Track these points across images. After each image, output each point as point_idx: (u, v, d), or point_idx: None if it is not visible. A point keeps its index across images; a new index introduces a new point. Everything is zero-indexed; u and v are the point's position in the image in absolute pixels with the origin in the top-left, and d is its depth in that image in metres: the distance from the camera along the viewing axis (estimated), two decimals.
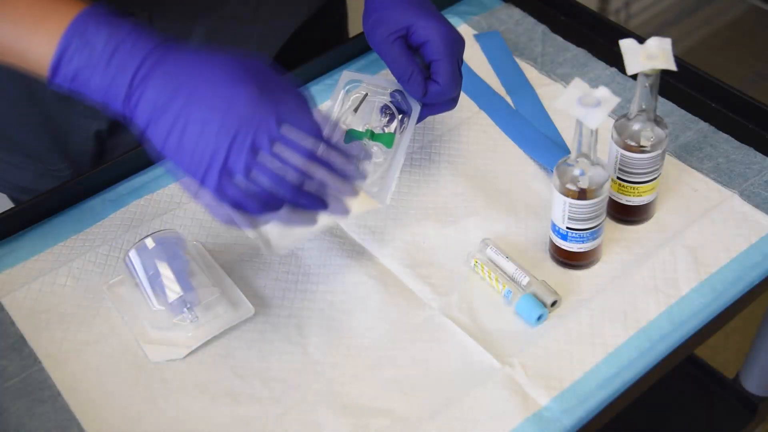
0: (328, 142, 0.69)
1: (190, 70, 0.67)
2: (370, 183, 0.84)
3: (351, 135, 0.85)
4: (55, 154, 0.97)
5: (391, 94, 0.87)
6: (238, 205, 0.68)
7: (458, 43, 0.83)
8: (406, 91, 0.84)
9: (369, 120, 0.86)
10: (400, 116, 0.86)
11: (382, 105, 0.87)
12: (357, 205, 0.77)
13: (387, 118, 0.86)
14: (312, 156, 0.67)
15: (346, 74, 0.87)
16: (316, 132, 0.68)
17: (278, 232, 0.77)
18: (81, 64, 0.66)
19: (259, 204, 0.68)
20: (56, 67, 0.67)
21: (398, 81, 0.84)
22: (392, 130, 0.85)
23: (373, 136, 0.85)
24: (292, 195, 0.68)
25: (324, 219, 0.74)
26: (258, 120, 0.66)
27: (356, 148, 0.71)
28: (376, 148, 0.83)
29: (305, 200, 0.69)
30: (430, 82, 0.82)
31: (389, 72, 0.84)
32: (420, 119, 0.85)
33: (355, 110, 0.87)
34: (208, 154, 0.66)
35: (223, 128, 0.65)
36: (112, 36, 0.66)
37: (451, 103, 0.85)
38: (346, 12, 1.15)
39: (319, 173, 0.68)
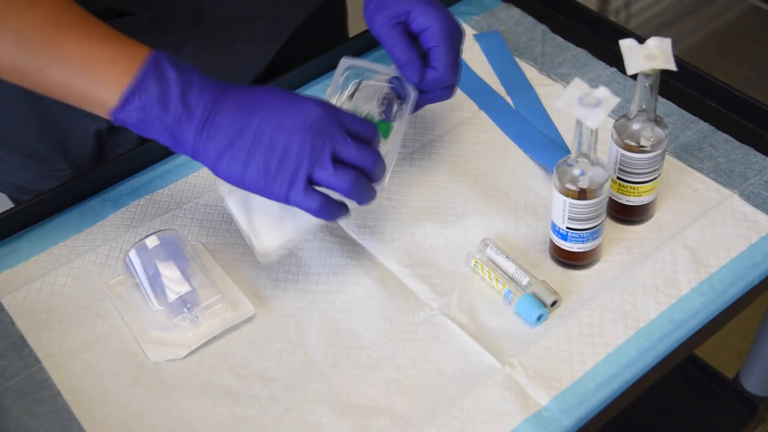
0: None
1: (255, 100, 0.72)
2: None
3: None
4: (56, 153, 0.97)
5: (390, 80, 0.86)
6: (320, 209, 0.73)
7: (457, 31, 0.84)
8: (403, 76, 0.84)
9: (366, 107, 0.86)
10: (399, 102, 0.86)
11: (383, 92, 0.87)
12: None
13: (385, 106, 0.86)
14: (378, 154, 0.75)
15: (344, 60, 0.87)
16: (374, 133, 0.76)
17: (269, 229, 0.78)
18: (149, 103, 0.70)
19: (336, 206, 0.75)
20: (125, 103, 0.70)
21: (396, 65, 0.84)
22: (392, 117, 0.86)
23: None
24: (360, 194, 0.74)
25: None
26: (329, 129, 0.72)
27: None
28: None
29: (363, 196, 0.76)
30: (428, 69, 0.83)
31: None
32: (417, 107, 0.85)
33: (351, 96, 0.87)
34: (291, 168, 0.71)
35: (304, 143, 0.71)
36: (180, 79, 0.71)
37: (448, 90, 0.85)
38: (345, 11, 1.15)
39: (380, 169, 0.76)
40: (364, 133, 0.75)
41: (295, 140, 0.71)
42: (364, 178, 0.74)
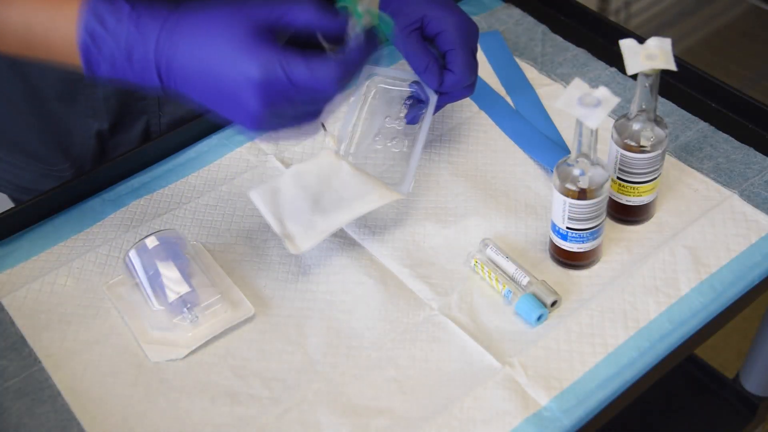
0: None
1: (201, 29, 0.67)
2: (390, 175, 0.87)
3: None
4: (57, 154, 0.97)
5: (410, 85, 0.89)
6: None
7: (472, 30, 0.85)
8: (423, 82, 0.86)
9: (387, 111, 0.88)
10: (420, 105, 0.89)
11: (406, 96, 0.89)
12: (379, 198, 0.79)
13: (408, 109, 0.90)
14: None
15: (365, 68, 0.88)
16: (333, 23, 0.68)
17: (301, 231, 0.80)
18: (107, 58, 0.67)
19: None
20: (87, 65, 0.68)
21: (415, 72, 0.85)
22: (416, 119, 0.89)
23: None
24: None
25: (358, 209, 0.79)
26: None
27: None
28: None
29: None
30: (446, 72, 0.84)
31: (405, 63, 0.86)
32: (438, 108, 0.88)
33: (370, 100, 0.90)
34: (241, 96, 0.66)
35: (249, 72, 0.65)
36: (122, 22, 0.66)
37: (468, 89, 0.87)
38: None
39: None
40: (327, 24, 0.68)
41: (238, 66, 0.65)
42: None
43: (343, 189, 0.82)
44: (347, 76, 0.68)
